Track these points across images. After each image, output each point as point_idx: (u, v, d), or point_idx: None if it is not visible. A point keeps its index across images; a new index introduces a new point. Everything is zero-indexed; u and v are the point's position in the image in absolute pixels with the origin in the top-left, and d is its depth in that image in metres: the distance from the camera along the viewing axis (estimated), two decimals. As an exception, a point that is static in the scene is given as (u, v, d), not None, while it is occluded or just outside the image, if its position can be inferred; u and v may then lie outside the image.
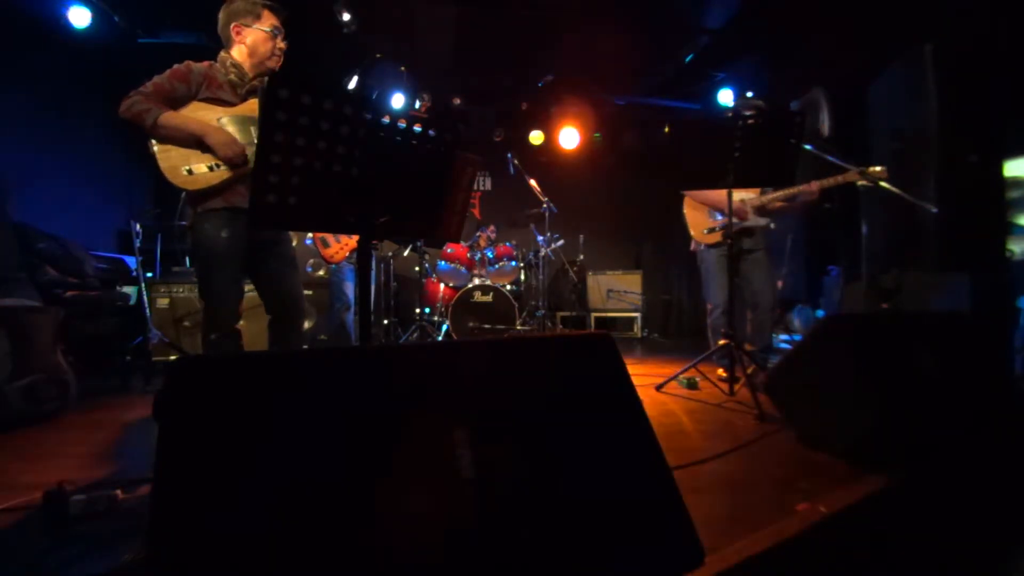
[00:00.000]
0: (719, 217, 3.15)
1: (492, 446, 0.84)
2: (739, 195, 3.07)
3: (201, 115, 1.84)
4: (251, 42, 1.94)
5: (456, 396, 0.88)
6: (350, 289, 3.86)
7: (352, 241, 3.73)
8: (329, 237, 3.57)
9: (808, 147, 2.78)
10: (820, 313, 4.42)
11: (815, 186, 2.85)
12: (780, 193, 2.96)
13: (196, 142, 1.80)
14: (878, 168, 2.72)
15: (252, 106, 1.93)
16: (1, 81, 3.73)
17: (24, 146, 3.85)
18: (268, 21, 1.96)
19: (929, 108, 3.21)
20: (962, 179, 3.07)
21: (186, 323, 3.63)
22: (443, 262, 4.80)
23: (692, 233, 3.26)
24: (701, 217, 3.24)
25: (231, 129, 1.85)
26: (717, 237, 3.09)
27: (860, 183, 2.85)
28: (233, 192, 1.85)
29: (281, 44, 1.99)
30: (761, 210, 3.06)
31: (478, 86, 5.77)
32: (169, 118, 1.76)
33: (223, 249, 1.83)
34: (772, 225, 3.13)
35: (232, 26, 1.93)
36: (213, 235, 1.82)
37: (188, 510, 0.64)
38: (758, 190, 3.08)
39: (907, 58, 3.41)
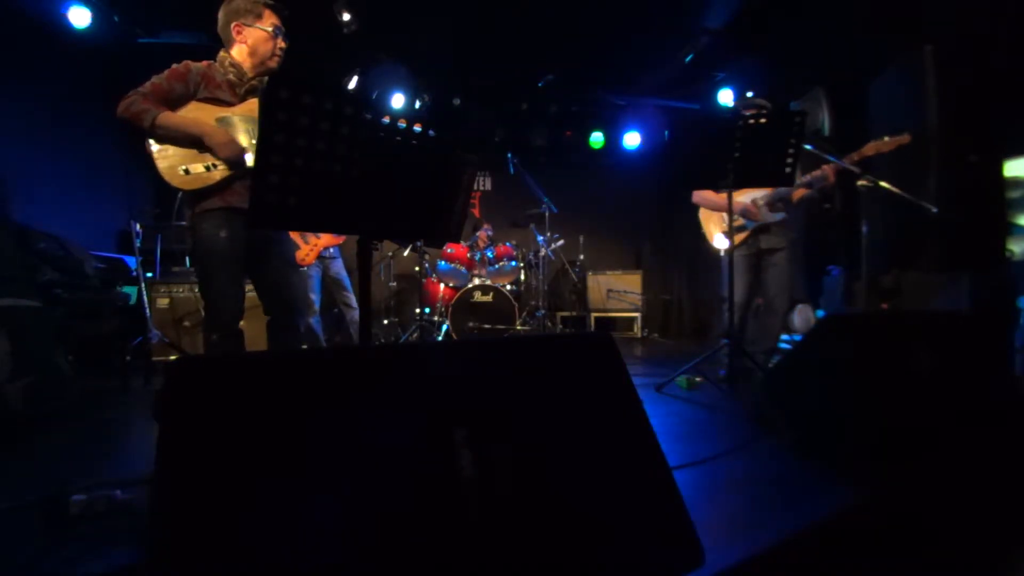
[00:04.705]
0: (742, 221, 3.10)
1: (492, 446, 0.84)
2: (748, 195, 3.05)
3: (199, 115, 1.83)
4: (252, 42, 1.93)
5: (456, 396, 0.88)
6: (315, 295, 3.75)
7: (321, 241, 3.69)
8: (299, 240, 3.52)
9: (808, 147, 2.78)
10: (820, 313, 4.41)
11: (828, 169, 2.83)
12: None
13: (194, 143, 1.79)
14: (900, 135, 2.69)
15: (251, 106, 1.92)
16: (1, 81, 3.73)
17: (24, 146, 3.85)
18: (269, 20, 1.94)
19: (929, 108, 3.21)
20: (962, 179, 3.07)
21: (186, 323, 3.63)
22: (443, 262, 4.80)
23: (711, 243, 3.24)
24: (716, 226, 3.22)
25: (229, 129, 1.85)
26: (739, 238, 3.05)
27: (860, 183, 2.85)
28: (231, 192, 1.85)
29: (282, 44, 1.97)
30: (776, 203, 3.02)
31: (478, 86, 5.77)
32: (167, 119, 1.75)
33: (222, 249, 1.83)
34: (787, 222, 3.08)
35: (233, 25, 1.92)
36: (212, 235, 1.82)
37: (188, 510, 0.64)
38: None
39: (907, 58, 3.40)
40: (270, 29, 1.93)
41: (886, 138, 2.72)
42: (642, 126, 6.27)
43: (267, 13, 1.94)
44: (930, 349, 1.76)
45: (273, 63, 1.97)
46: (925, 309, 2.98)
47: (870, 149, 2.74)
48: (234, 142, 1.82)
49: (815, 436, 1.79)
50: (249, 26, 1.92)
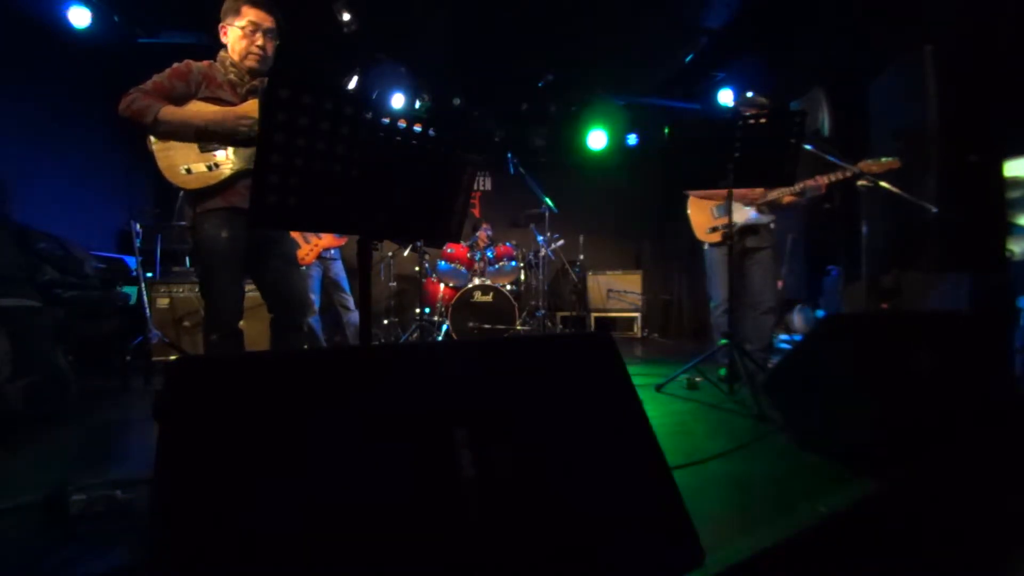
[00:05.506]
0: (721, 214, 3.14)
1: (492, 446, 0.84)
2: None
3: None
4: (231, 41, 1.90)
5: (456, 396, 0.88)
6: (315, 295, 3.78)
7: (322, 241, 3.70)
8: (299, 239, 3.54)
9: (808, 147, 2.78)
10: (820, 313, 4.41)
11: (823, 181, 2.85)
12: (788, 188, 2.95)
13: (200, 134, 1.78)
14: (890, 159, 2.72)
15: (252, 106, 1.92)
16: (1, 81, 3.73)
17: (24, 146, 3.85)
18: (245, 17, 1.88)
19: (929, 108, 3.21)
20: (962, 179, 3.07)
21: (186, 323, 3.63)
22: (443, 262, 4.80)
23: (696, 232, 3.26)
24: (704, 216, 3.24)
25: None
26: (719, 236, 3.09)
27: (860, 183, 2.85)
28: (233, 192, 1.85)
29: (259, 41, 1.89)
30: (771, 205, 3.04)
31: (478, 86, 5.77)
32: (170, 113, 1.74)
33: (223, 249, 1.83)
34: (773, 225, 3.12)
35: (220, 27, 1.92)
36: (213, 235, 1.82)
37: (188, 510, 0.64)
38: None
39: (907, 58, 3.40)
40: (243, 25, 1.87)
41: (880, 160, 2.75)
42: (642, 126, 6.27)
43: (244, 9, 1.87)
44: (930, 349, 1.76)
45: (250, 62, 1.89)
46: (925, 309, 2.97)
47: (863, 167, 2.77)
48: (245, 114, 1.80)
49: (814, 436, 1.80)
50: (230, 26, 1.90)
